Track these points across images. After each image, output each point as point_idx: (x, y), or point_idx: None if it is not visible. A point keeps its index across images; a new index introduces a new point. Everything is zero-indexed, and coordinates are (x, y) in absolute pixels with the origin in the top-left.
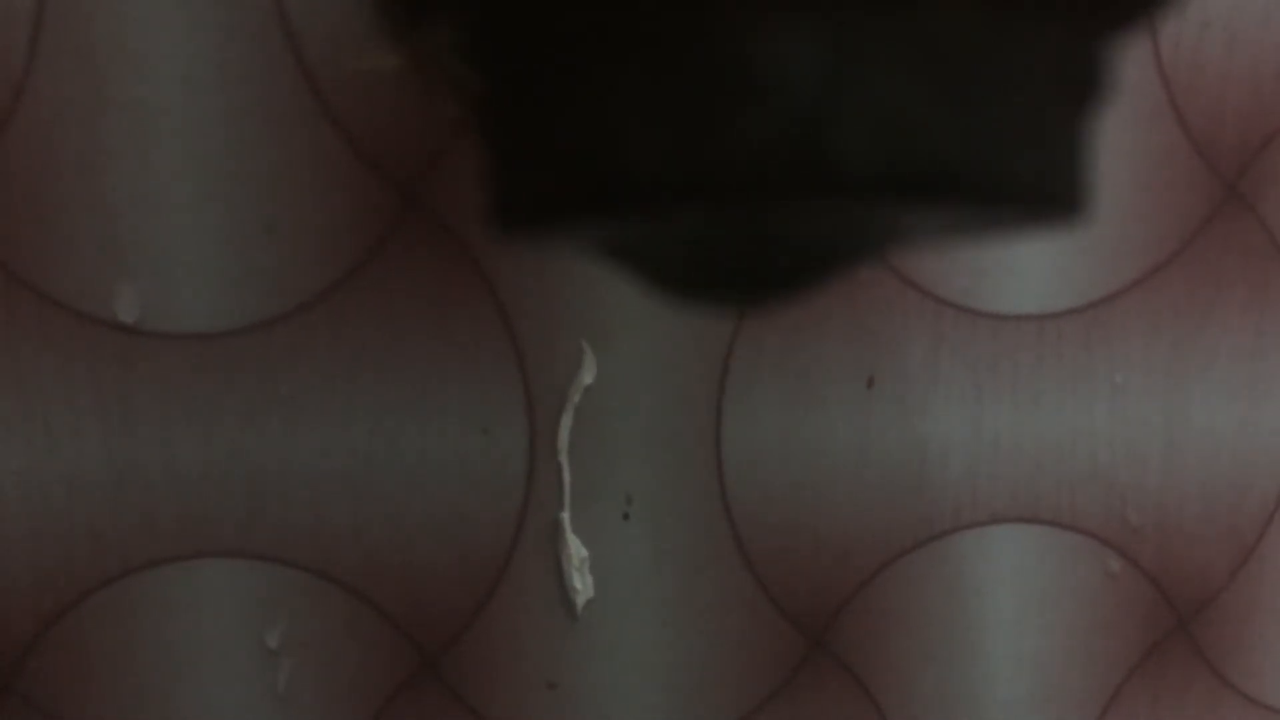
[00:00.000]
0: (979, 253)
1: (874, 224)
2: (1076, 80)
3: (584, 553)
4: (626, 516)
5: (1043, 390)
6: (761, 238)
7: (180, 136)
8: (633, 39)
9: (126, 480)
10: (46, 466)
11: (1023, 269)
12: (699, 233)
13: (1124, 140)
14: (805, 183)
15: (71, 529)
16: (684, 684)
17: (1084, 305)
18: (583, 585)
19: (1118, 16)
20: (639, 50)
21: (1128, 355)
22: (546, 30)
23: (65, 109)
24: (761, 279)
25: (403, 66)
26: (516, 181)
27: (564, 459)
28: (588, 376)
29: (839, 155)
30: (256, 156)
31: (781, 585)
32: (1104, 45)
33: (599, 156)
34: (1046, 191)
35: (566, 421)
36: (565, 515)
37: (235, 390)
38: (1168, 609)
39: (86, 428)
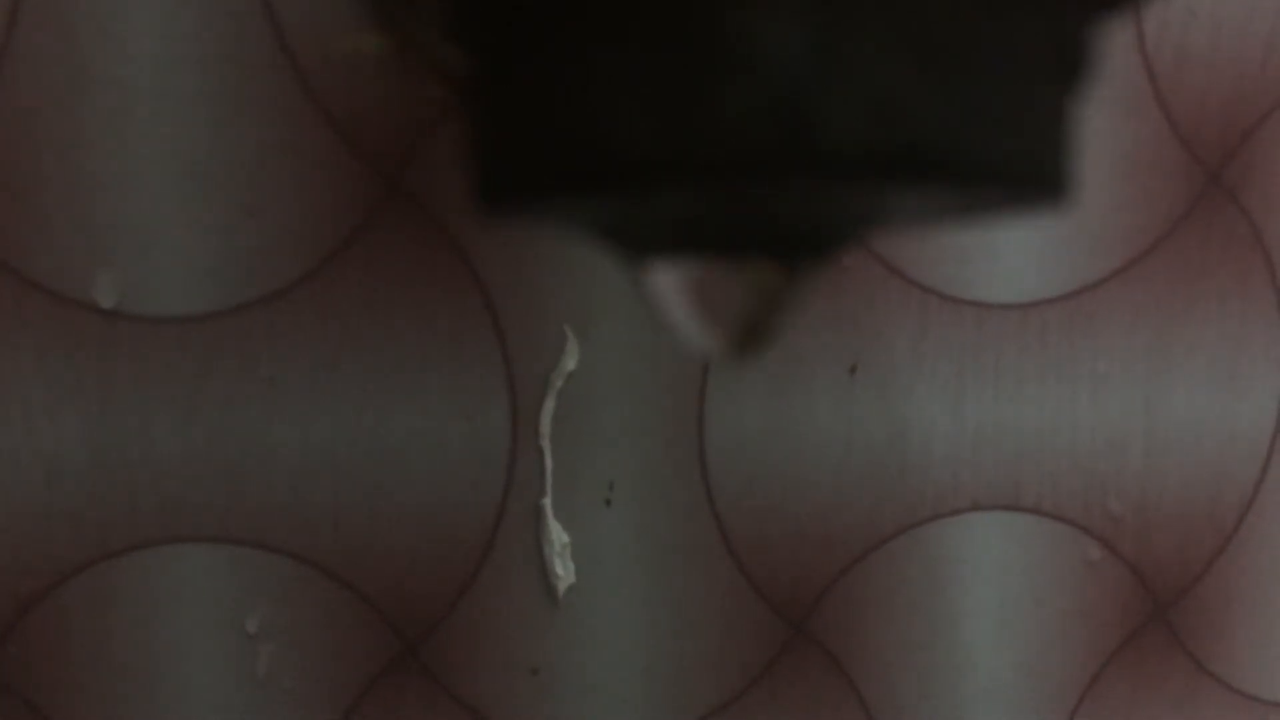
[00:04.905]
0: (963, 240)
1: (859, 203)
2: (1063, 63)
3: (565, 538)
4: (609, 503)
5: (1025, 379)
6: (746, 216)
7: (160, 118)
8: (616, 16)
9: (105, 464)
10: (24, 450)
11: (1007, 257)
12: (683, 211)
13: (1107, 129)
14: (789, 161)
15: (49, 513)
16: (665, 670)
17: (1067, 294)
18: (564, 571)
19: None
20: (622, 27)
21: (1110, 344)
22: (529, 8)
23: (43, 89)
24: (745, 255)
25: (386, 48)
26: (499, 161)
27: (546, 445)
28: (571, 362)
29: (824, 134)
30: (238, 139)
31: (763, 572)
32: (1091, 28)
33: (581, 136)
34: (1032, 174)
35: (549, 407)
36: (547, 501)
37: (215, 374)
38: (1147, 597)
39: (64, 411)
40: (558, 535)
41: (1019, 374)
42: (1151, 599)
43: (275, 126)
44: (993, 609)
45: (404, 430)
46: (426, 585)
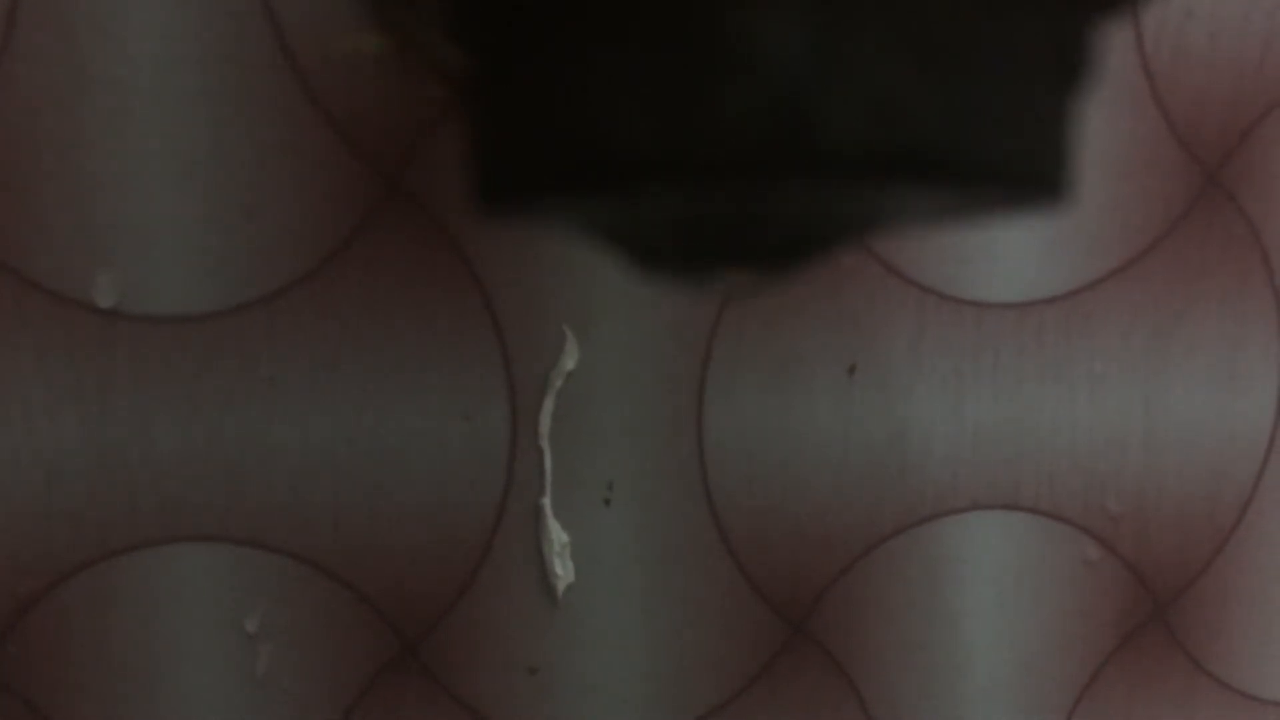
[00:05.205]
0: (961, 240)
1: (859, 203)
2: (1063, 63)
3: (565, 538)
4: (608, 502)
5: (1024, 378)
6: (747, 216)
7: (160, 118)
8: (616, 16)
9: (105, 464)
10: (24, 450)
11: (1005, 257)
12: (683, 211)
13: (1106, 129)
14: (789, 161)
15: (49, 513)
16: (664, 669)
17: (1065, 294)
18: (563, 570)
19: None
20: (622, 27)
21: (1108, 344)
22: (529, 8)
23: (44, 90)
24: (747, 258)
25: (386, 47)
26: (499, 161)
27: (545, 444)
28: (570, 362)
29: (824, 134)
30: (237, 139)
31: (763, 572)
32: (1091, 28)
33: (580, 136)
34: (1032, 174)
35: (548, 407)
36: (546, 501)
37: (214, 374)
38: (1145, 596)
39: (64, 411)
40: (557, 535)
41: (1018, 374)
42: (1150, 598)
43: (275, 126)
44: (992, 608)
45: (404, 430)
46: (426, 585)
